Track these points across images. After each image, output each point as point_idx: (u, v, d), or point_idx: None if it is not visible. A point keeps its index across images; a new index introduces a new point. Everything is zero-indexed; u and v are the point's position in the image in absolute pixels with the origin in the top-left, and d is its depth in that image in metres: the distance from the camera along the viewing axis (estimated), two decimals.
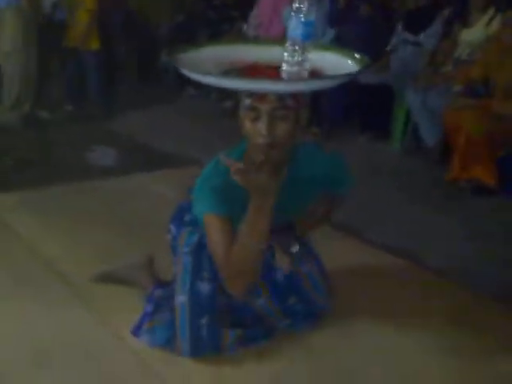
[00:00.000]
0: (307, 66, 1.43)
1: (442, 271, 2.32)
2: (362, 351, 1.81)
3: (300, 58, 1.41)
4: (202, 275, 1.72)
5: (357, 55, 1.50)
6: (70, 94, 4.70)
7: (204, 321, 1.70)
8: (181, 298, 1.72)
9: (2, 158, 3.53)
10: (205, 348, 1.71)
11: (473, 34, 3.69)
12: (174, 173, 3.30)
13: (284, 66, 1.43)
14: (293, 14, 1.38)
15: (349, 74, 1.43)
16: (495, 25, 3.58)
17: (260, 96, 1.42)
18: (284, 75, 1.43)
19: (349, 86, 4.19)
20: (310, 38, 1.41)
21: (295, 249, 1.79)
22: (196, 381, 1.68)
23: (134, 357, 1.75)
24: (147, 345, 1.77)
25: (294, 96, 1.45)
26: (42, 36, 4.19)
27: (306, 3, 1.38)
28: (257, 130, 1.45)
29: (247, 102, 1.44)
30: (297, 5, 1.38)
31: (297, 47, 1.40)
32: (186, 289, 1.72)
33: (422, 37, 3.99)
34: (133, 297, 2.00)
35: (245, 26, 4.95)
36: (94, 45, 4.36)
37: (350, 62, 1.49)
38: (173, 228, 1.87)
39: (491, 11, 3.65)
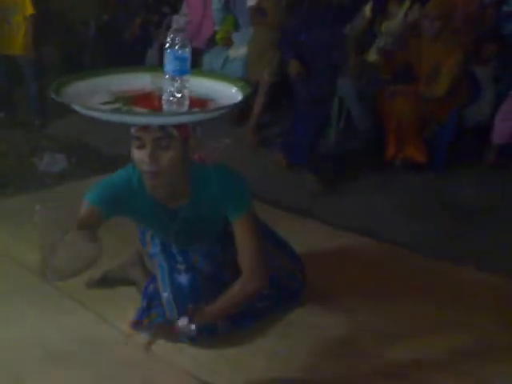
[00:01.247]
0: (186, 98, 1.44)
1: (396, 243, 2.60)
2: (342, 324, 2.05)
3: (178, 94, 1.42)
4: (177, 268, 1.88)
5: (240, 83, 1.59)
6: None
7: (191, 306, 1.79)
8: (165, 295, 1.86)
9: None
10: (200, 332, 1.85)
11: (393, 24, 4.01)
12: None
13: (164, 98, 1.44)
14: (167, 48, 1.39)
15: (227, 106, 1.49)
16: (413, 15, 3.91)
17: (143, 126, 1.49)
18: (164, 107, 1.44)
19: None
20: (185, 73, 1.42)
21: (185, 327, 1.70)
22: (202, 361, 1.85)
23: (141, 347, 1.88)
24: (149, 338, 1.90)
25: (179, 125, 1.51)
26: None
27: (179, 38, 1.38)
28: (141, 157, 1.52)
29: (132, 130, 1.52)
30: (170, 40, 1.38)
31: (174, 81, 1.41)
32: (166, 285, 1.87)
33: (347, 28, 4.26)
34: (125, 294, 2.12)
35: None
36: (32, 51, 4.29)
37: (234, 90, 1.56)
38: (140, 233, 2.01)
39: (408, 3, 3.98)
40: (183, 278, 1.87)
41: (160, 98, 1.47)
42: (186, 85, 1.44)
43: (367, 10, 4.12)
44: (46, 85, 4.54)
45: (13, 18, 4.19)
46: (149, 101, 1.51)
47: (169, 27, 1.42)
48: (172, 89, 1.42)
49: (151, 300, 1.98)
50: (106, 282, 2.16)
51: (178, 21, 1.40)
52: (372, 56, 4.10)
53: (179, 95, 1.43)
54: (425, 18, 3.55)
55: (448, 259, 2.46)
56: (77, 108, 1.44)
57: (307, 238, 2.55)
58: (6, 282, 2.24)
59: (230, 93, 1.55)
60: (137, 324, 1.95)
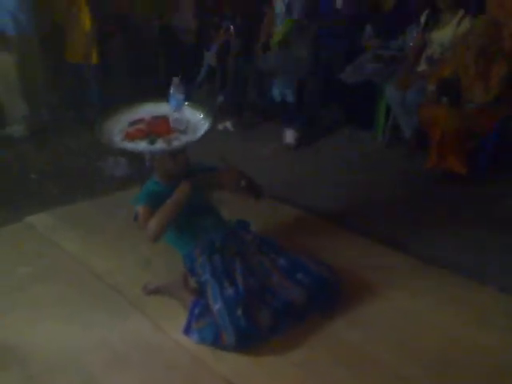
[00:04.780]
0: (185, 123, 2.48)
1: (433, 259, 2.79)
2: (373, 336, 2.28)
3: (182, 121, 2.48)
4: (224, 285, 2.30)
5: (204, 111, 2.57)
6: (70, 102, 5.02)
7: (239, 312, 2.18)
8: (217, 306, 2.24)
9: (24, 173, 3.85)
10: (246, 336, 2.17)
11: (443, 34, 4.05)
12: None
13: (172, 122, 2.47)
14: (171, 95, 2.55)
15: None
16: (464, 26, 3.94)
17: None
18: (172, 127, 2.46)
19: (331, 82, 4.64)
20: (181, 107, 2.56)
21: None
22: (240, 367, 2.14)
23: (189, 354, 2.20)
24: (197, 342, 2.22)
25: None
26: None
27: (179, 89, 2.54)
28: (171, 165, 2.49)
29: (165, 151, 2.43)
30: (173, 89, 2.55)
31: (177, 111, 2.54)
32: (218, 299, 2.26)
33: (400, 41, 4.37)
34: (176, 305, 2.43)
35: None
36: (94, 59, 4.76)
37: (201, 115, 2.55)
38: (187, 266, 2.49)
39: (461, 12, 4.00)
40: (229, 291, 2.28)
41: (168, 122, 2.49)
42: (183, 113, 2.56)
43: (422, 18, 4.19)
44: (108, 88, 4.93)
45: (74, 32, 4.73)
46: (162, 125, 2.47)
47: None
48: (176, 116, 2.53)
49: (202, 311, 2.31)
50: (158, 292, 2.51)
51: (176, 82, 2.55)
52: (421, 66, 4.18)
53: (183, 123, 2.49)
54: (471, 31, 3.62)
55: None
56: (118, 145, 2.43)
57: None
58: (75, 288, 2.58)
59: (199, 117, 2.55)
60: (187, 330, 2.27)
